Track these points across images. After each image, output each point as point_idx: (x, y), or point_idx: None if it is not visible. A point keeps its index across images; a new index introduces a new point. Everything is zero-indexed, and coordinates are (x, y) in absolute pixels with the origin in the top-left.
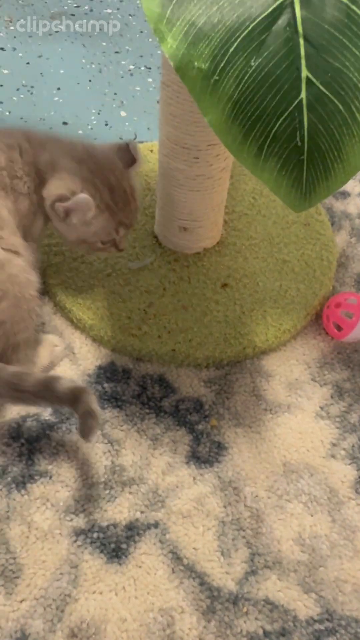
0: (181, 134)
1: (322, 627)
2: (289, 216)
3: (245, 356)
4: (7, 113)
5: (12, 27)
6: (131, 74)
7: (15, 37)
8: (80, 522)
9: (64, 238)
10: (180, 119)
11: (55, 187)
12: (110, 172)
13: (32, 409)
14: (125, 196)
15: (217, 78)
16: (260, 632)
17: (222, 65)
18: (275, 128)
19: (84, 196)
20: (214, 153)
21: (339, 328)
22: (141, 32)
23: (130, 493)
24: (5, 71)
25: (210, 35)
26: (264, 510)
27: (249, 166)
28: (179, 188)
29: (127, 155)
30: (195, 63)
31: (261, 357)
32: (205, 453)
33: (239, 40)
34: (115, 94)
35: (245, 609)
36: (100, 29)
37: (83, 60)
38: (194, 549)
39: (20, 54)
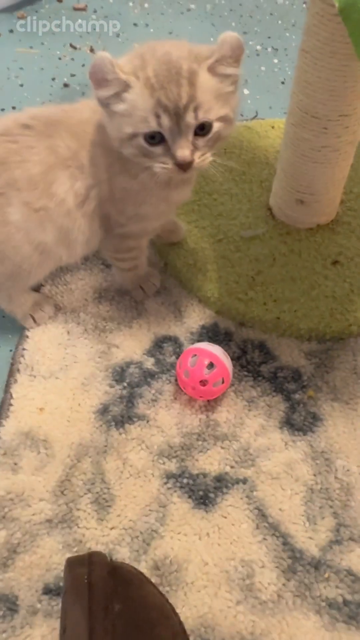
0: (313, 102)
1: None
2: None
3: (350, 333)
4: None
5: (146, 5)
6: (257, 54)
7: (148, 13)
8: (172, 466)
9: (115, 145)
10: (315, 87)
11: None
12: (174, 50)
13: (136, 357)
14: (176, 73)
15: None
16: (340, 600)
17: None
18: None
19: (101, 53)
20: (343, 124)
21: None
22: (271, 14)
23: (222, 447)
24: (137, 45)
25: None
26: (354, 485)
27: None
28: (302, 159)
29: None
30: None
31: None
32: (299, 421)
33: None
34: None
35: (327, 575)
36: (231, 10)
37: (211, 39)
38: (280, 509)
39: (151, 30)
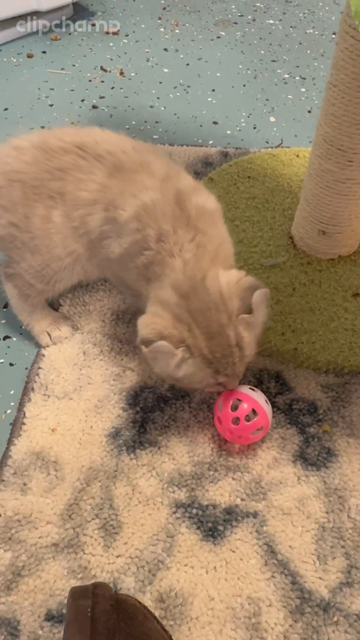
0: (339, 135)
1: None
2: None
3: None
4: (163, 108)
5: (177, 31)
6: (285, 83)
7: (179, 39)
8: (181, 495)
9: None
10: (342, 120)
11: (144, 325)
12: (215, 314)
13: (150, 381)
14: (227, 346)
15: None
16: None
17: None
18: None
19: (159, 346)
20: None
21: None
22: (300, 43)
23: (233, 479)
24: (166, 70)
25: None
26: None
27: None
28: (326, 190)
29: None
30: None
31: None
32: (313, 456)
33: None
34: (267, 100)
35: (335, 619)
36: (261, 38)
37: (240, 66)
38: (290, 547)
39: (181, 56)
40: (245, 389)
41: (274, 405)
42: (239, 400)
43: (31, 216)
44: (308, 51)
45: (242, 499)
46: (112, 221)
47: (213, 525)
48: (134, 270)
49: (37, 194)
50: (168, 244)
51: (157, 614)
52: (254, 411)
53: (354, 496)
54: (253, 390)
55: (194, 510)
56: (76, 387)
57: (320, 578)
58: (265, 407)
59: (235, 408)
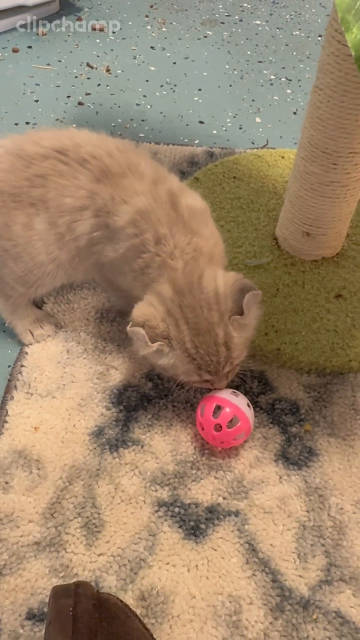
0: (324, 138)
1: None
2: None
3: (350, 369)
4: (149, 106)
5: (164, 29)
6: (271, 84)
7: (166, 38)
8: (164, 494)
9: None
10: (327, 123)
11: (138, 309)
12: (206, 312)
13: (134, 380)
14: (213, 344)
15: None
16: None
17: None
18: None
19: (136, 331)
20: (353, 161)
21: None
22: (286, 45)
23: (215, 478)
24: (153, 68)
25: None
26: (347, 524)
27: None
28: (310, 192)
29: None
30: None
31: None
32: (295, 455)
33: None
34: (253, 100)
35: (315, 616)
36: (248, 39)
37: (227, 66)
38: (271, 545)
39: (168, 54)
40: (227, 394)
41: (256, 404)
42: (221, 406)
43: (11, 224)
44: (294, 53)
45: (224, 498)
46: (104, 227)
47: (195, 524)
48: (130, 274)
49: (16, 202)
50: (168, 246)
51: (138, 612)
52: (236, 417)
53: (335, 495)
54: (235, 394)
55: (176, 509)
56: (59, 385)
57: (300, 576)
58: (247, 412)
59: (217, 414)
